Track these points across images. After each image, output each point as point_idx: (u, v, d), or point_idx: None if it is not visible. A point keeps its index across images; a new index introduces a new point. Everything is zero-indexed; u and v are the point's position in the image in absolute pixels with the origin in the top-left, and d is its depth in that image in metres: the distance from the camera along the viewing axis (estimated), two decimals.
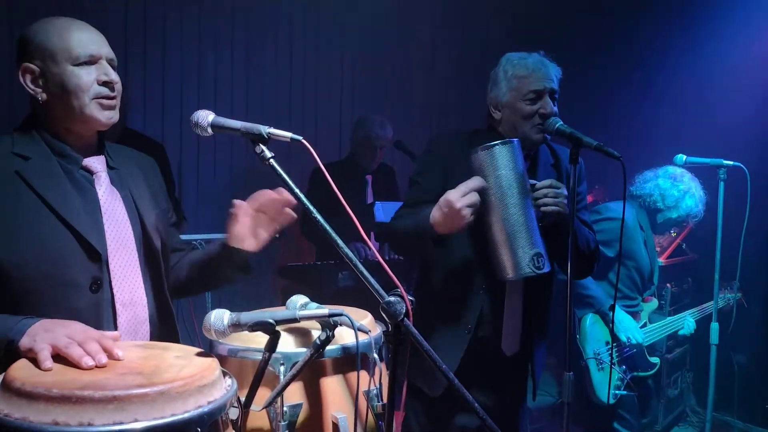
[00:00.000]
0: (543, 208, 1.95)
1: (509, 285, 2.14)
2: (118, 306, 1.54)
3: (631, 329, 3.11)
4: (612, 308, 2.44)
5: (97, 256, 1.51)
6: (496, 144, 1.89)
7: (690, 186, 3.20)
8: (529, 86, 2.05)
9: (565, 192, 1.99)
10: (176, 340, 1.66)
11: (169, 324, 1.68)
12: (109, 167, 1.64)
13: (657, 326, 3.36)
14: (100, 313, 1.51)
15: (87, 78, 1.51)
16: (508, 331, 2.16)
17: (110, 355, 1.24)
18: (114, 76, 1.55)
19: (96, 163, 1.60)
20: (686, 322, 3.49)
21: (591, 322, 3.05)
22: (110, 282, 1.54)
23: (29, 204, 1.46)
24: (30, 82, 1.53)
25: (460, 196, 1.82)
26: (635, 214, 3.19)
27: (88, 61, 1.52)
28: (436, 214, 1.88)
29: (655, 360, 3.31)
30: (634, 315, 3.24)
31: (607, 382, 2.99)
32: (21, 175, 1.47)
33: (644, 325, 3.28)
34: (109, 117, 1.56)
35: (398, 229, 2.12)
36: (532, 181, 1.98)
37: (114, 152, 1.69)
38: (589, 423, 3.12)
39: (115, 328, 1.53)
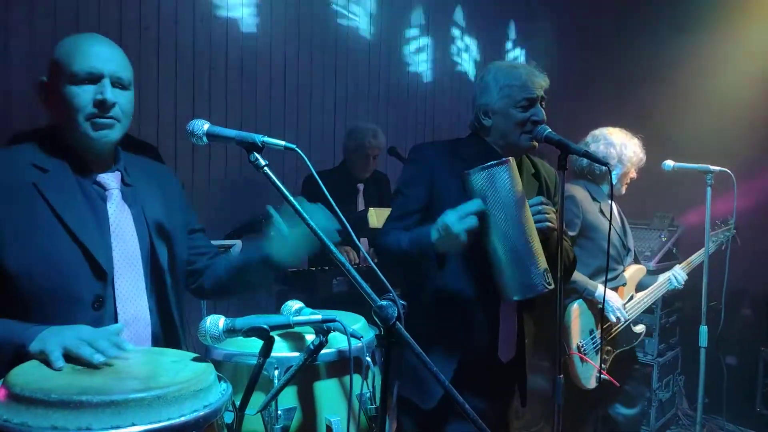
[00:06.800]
0: (538, 225, 1.96)
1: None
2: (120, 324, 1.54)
3: (618, 308, 3.07)
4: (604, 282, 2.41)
5: (103, 275, 1.52)
6: (495, 165, 1.86)
7: (620, 138, 3.12)
8: (522, 93, 2.06)
9: (553, 208, 2.01)
10: None
11: (173, 342, 1.65)
12: (124, 183, 1.64)
13: (643, 296, 3.28)
14: None
15: (84, 96, 1.50)
16: (504, 338, 2.15)
17: (120, 348, 1.32)
18: (109, 96, 1.51)
19: (109, 180, 1.60)
20: (671, 277, 3.35)
21: (575, 315, 2.99)
22: (114, 300, 1.54)
23: (43, 217, 1.47)
24: (41, 96, 1.57)
25: (458, 220, 1.81)
26: (582, 189, 3.11)
27: (87, 78, 1.50)
28: (434, 234, 1.87)
29: (639, 330, 3.26)
30: (616, 290, 3.16)
31: (591, 370, 2.97)
32: (37, 187, 1.48)
33: (630, 299, 3.22)
34: (101, 137, 1.53)
35: (393, 248, 2.05)
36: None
37: (132, 165, 1.68)
38: (578, 413, 3.07)
39: None
